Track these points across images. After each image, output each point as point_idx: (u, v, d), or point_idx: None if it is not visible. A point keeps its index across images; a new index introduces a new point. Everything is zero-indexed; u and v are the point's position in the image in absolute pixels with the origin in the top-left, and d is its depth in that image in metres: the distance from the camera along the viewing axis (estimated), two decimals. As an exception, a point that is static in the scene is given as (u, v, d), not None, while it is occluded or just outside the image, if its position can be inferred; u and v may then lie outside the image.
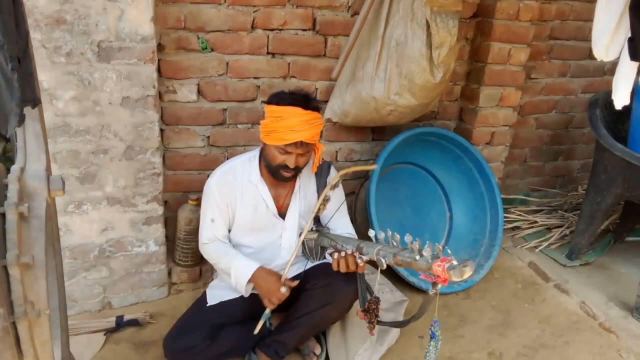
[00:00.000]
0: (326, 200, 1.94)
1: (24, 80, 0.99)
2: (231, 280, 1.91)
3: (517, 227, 3.21)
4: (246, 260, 1.92)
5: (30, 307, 0.86)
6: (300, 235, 2.00)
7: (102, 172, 2.08)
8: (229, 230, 2.05)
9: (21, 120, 0.93)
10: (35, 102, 1.09)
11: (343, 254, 1.76)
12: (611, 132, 2.52)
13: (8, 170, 1.06)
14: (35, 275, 0.89)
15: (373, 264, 1.66)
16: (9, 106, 0.87)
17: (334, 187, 1.95)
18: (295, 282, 1.88)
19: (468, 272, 1.27)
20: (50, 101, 1.91)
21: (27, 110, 1.07)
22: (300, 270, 2.01)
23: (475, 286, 2.65)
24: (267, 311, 1.87)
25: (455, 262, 1.27)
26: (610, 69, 3.34)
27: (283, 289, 1.82)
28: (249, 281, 1.88)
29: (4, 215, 0.87)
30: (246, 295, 1.93)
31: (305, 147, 1.83)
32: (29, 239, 0.91)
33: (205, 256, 2.05)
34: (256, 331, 1.87)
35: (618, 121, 2.65)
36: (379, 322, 1.74)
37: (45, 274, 0.91)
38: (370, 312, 1.71)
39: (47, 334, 0.91)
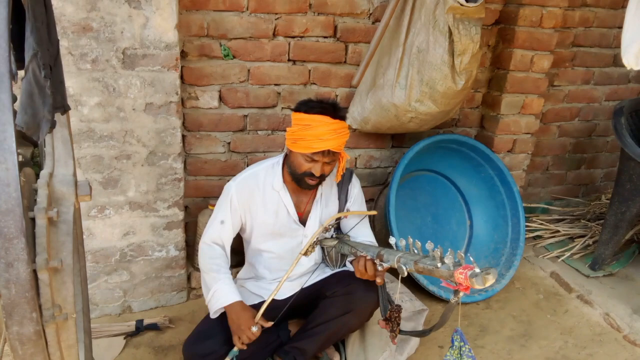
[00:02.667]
0: (308, 252, 1.92)
1: (54, 87, 1.01)
2: (208, 296, 1.88)
3: (539, 237, 3.16)
4: (230, 288, 1.86)
5: (57, 310, 0.87)
6: (324, 244, 2.00)
7: (124, 177, 2.11)
8: (249, 240, 2.04)
9: (52, 126, 0.95)
10: (65, 108, 1.11)
11: (362, 259, 1.74)
12: (636, 141, 2.48)
13: (37, 175, 1.08)
14: (63, 279, 0.90)
15: (393, 272, 1.64)
16: (41, 113, 0.89)
17: (327, 229, 1.95)
18: (270, 324, 1.82)
19: (491, 280, 1.25)
20: (76, 107, 1.94)
21: (57, 117, 1.09)
22: (320, 277, 2.00)
23: (496, 296, 2.61)
24: (235, 349, 1.79)
25: (477, 270, 1.25)
26: (635, 76, 3.29)
27: (254, 329, 1.75)
28: (225, 308, 1.84)
29: (33, 219, 0.88)
30: (213, 317, 1.88)
31: (331, 156, 1.83)
32: (58, 243, 0.92)
33: (199, 255, 1.99)
34: None
35: (644, 129, 2.61)
36: (401, 332, 1.73)
37: (73, 278, 0.93)
38: (392, 320, 1.70)
39: (74, 338, 0.92)
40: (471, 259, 1.31)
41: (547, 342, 2.32)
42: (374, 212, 2.10)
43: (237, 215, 1.95)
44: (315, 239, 1.90)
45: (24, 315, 0.69)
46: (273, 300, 1.95)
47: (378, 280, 1.71)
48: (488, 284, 1.25)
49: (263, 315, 1.80)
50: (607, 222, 2.71)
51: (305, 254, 1.88)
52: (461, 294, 1.35)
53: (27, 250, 0.67)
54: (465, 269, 1.26)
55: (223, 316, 1.96)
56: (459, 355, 1.45)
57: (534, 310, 2.55)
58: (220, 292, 1.85)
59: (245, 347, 1.79)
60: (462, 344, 1.45)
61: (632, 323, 2.40)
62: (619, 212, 2.63)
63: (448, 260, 1.32)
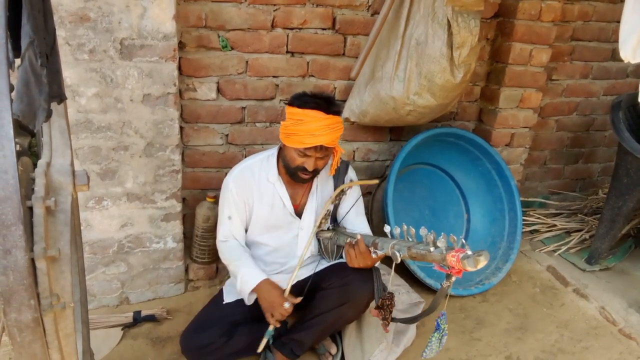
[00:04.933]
0: (328, 215, 1.96)
1: (51, 76, 1.00)
2: (237, 286, 1.90)
3: (536, 231, 3.17)
4: (254, 269, 1.89)
5: (55, 299, 0.87)
6: (320, 236, 2.01)
7: (122, 168, 2.10)
8: (246, 230, 2.05)
9: (48, 115, 0.95)
10: (62, 97, 1.11)
11: (353, 240, 1.75)
12: (634, 135, 2.48)
13: (34, 165, 1.08)
14: (60, 268, 0.90)
15: (389, 263, 1.65)
16: (37, 101, 0.89)
17: (334, 201, 1.96)
18: (299, 299, 1.84)
19: (482, 262, 1.25)
20: (73, 98, 1.93)
21: (53, 106, 1.09)
22: (317, 269, 2.01)
23: (493, 289, 2.62)
24: (271, 329, 1.82)
25: (469, 252, 1.26)
26: (633, 71, 3.29)
27: (286, 305, 1.77)
28: (253, 291, 1.86)
29: (31, 208, 0.88)
30: (248, 303, 1.89)
31: (324, 151, 1.82)
32: (55, 232, 0.92)
33: (220, 254, 2.06)
34: (259, 350, 1.85)
35: (641, 124, 2.61)
36: (392, 319, 1.73)
37: (70, 267, 0.93)
38: (384, 308, 1.70)
39: (72, 327, 0.92)
40: (464, 241, 1.31)
41: (543, 335, 2.33)
42: (375, 181, 2.15)
43: (241, 207, 1.97)
44: (326, 211, 1.93)
45: (22, 302, 0.69)
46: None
47: (374, 256, 1.71)
48: (480, 266, 1.24)
49: None
50: (603, 216, 2.72)
51: (319, 226, 1.93)
52: (453, 278, 1.35)
53: (25, 237, 0.67)
54: (457, 252, 1.27)
55: (221, 308, 1.97)
56: (440, 337, 1.47)
57: (530, 304, 2.56)
58: (245, 277, 1.87)
59: (279, 325, 1.82)
60: (445, 326, 1.46)
61: (628, 317, 2.41)
62: (615, 206, 2.64)
63: (441, 244, 1.32)
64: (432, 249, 1.35)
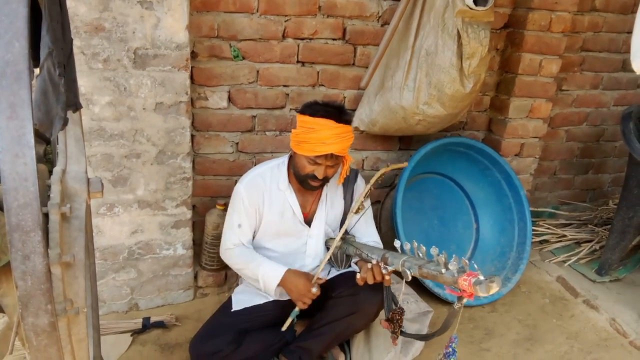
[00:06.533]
0: (360, 209, 1.98)
1: (67, 85, 1.03)
2: (260, 285, 1.93)
3: (546, 241, 3.16)
4: (273, 264, 1.94)
5: (69, 304, 0.88)
6: (330, 245, 2.02)
7: (134, 175, 2.13)
8: (254, 236, 2.07)
9: (65, 123, 0.97)
10: (77, 106, 1.13)
11: (369, 265, 1.75)
12: (645, 146, 2.47)
13: (50, 172, 1.10)
14: (74, 274, 0.92)
15: (398, 274, 1.65)
16: (54, 110, 0.91)
17: (368, 195, 1.97)
18: (325, 279, 1.91)
19: (495, 288, 1.25)
20: (87, 106, 1.96)
21: (69, 114, 1.11)
22: (325, 277, 2.01)
23: (502, 299, 2.61)
24: (297, 309, 1.90)
25: (481, 277, 1.26)
26: (644, 81, 3.28)
27: (314, 289, 1.84)
28: (279, 285, 1.90)
29: (47, 215, 0.90)
30: (277, 297, 1.95)
31: (334, 160, 1.84)
32: (70, 238, 0.94)
33: (228, 261, 2.06)
34: (284, 327, 1.92)
35: (652, 135, 2.59)
36: (402, 333, 1.73)
37: (84, 273, 0.94)
38: (394, 322, 1.71)
39: (84, 332, 0.93)
40: (475, 266, 1.32)
41: (552, 346, 2.31)
42: (405, 164, 2.19)
43: (251, 215, 1.98)
44: (362, 199, 1.97)
45: (39, 307, 0.71)
46: (279, 301, 1.97)
47: (387, 278, 1.72)
48: (492, 292, 1.25)
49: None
50: (614, 227, 2.70)
51: (357, 212, 1.98)
52: (464, 300, 1.35)
53: (43, 243, 0.69)
54: (469, 276, 1.27)
55: (230, 315, 1.98)
56: None
57: (539, 315, 2.54)
58: (267, 274, 1.91)
59: (307, 307, 1.88)
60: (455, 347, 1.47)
61: (639, 329, 2.39)
62: (626, 217, 2.62)
63: (452, 266, 1.33)
64: (443, 270, 1.35)
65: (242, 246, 2.02)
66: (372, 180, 1.97)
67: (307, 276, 1.90)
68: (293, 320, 1.92)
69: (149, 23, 1.92)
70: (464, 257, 1.35)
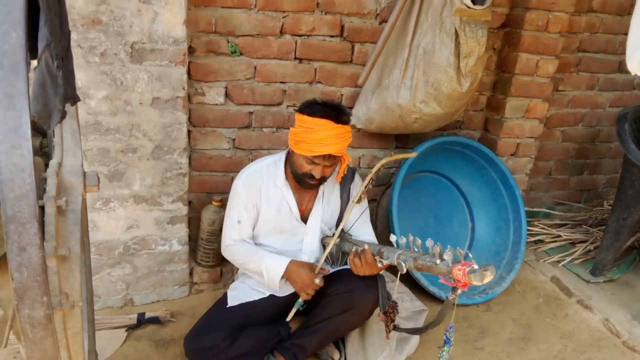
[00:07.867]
0: (361, 199, 1.97)
1: (65, 78, 1.02)
2: (263, 279, 1.93)
3: (540, 241, 3.17)
4: (276, 256, 1.94)
5: (64, 298, 0.88)
6: (326, 242, 2.01)
7: (130, 170, 2.12)
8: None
9: (63, 116, 0.96)
10: (75, 99, 1.13)
11: (360, 249, 1.76)
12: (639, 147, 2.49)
13: (45, 165, 1.10)
14: (70, 267, 0.91)
15: (394, 271, 1.65)
16: (53, 102, 0.90)
17: (370, 183, 1.96)
18: (328, 269, 1.93)
19: (489, 277, 1.26)
20: (84, 100, 1.95)
21: (66, 107, 1.11)
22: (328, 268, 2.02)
23: (497, 299, 2.62)
24: (301, 299, 1.91)
25: (476, 266, 1.26)
26: (639, 83, 3.29)
27: (317, 280, 1.85)
28: (283, 276, 1.91)
29: (42, 208, 0.89)
30: (279, 289, 1.95)
31: (332, 159, 1.84)
32: (66, 232, 0.93)
33: (229, 257, 2.06)
34: (289, 318, 1.93)
35: (647, 136, 2.61)
36: (395, 328, 1.74)
37: (80, 266, 0.94)
38: (387, 316, 1.71)
39: (79, 326, 0.93)
40: (470, 255, 1.32)
41: (546, 345, 2.33)
42: (414, 154, 2.18)
43: (250, 210, 1.99)
44: (366, 185, 1.94)
45: (35, 299, 0.71)
46: (274, 297, 1.98)
47: (379, 265, 1.72)
48: (486, 281, 1.26)
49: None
50: (608, 228, 2.72)
51: (359, 201, 1.97)
52: (459, 291, 1.36)
53: (39, 235, 0.68)
54: (463, 266, 1.27)
55: (225, 311, 1.97)
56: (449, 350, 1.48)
57: (533, 314, 2.55)
58: (270, 266, 1.92)
59: (310, 298, 1.89)
60: (452, 337, 1.47)
61: (632, 329, 2.41)
62: (620, 218, 2.64)
63: (447, 257, 1.33)
64: (438, 261, 1.35)
65: (243, 242, 2.02)
66: (375, 168, 1.95)
67: (311, 267, 1.91)
68: (298, 310, 1.93)
69: (146, 17, 1.91)
70: (459, 254, 1.35)
